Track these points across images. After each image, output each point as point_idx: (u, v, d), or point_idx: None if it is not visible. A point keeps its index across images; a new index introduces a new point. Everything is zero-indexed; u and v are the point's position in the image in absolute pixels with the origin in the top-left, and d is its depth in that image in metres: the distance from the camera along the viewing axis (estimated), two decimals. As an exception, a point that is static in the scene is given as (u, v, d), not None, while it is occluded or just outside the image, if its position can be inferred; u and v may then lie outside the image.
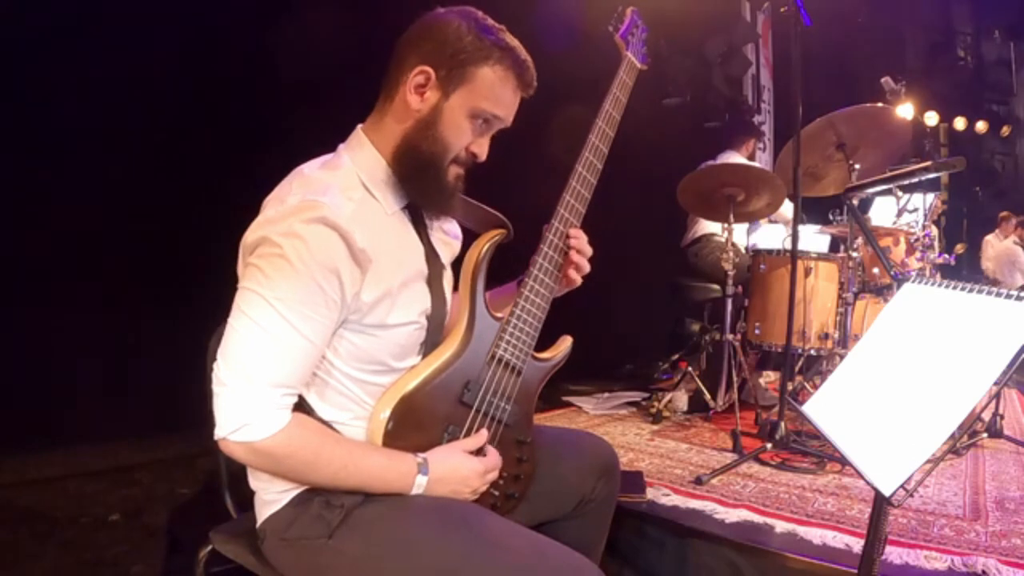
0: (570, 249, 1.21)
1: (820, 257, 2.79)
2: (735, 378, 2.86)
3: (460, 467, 1.07)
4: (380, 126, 1.10)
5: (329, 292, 0.97)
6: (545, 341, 1.23)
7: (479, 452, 1.11)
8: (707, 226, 3.48)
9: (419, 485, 1.03)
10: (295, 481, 1.03)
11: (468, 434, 1.12)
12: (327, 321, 0.99)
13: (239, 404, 0.93)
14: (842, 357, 2.55)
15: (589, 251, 1.24)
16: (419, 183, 1.09)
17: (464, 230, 1.27)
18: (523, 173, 2.65)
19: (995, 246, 8.29)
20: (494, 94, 1.07)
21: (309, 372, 1.02)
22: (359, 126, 1.13)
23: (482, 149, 1.11)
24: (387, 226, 1.08)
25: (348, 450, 1.01)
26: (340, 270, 0.98)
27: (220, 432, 0.94)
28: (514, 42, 1.08)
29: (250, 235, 1.00)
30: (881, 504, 1.05)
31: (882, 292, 2.98)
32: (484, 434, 1.12)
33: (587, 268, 1.25)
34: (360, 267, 1.01)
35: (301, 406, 1.02)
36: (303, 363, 0.99)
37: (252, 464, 1.01)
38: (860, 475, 0.94)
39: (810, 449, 2.31)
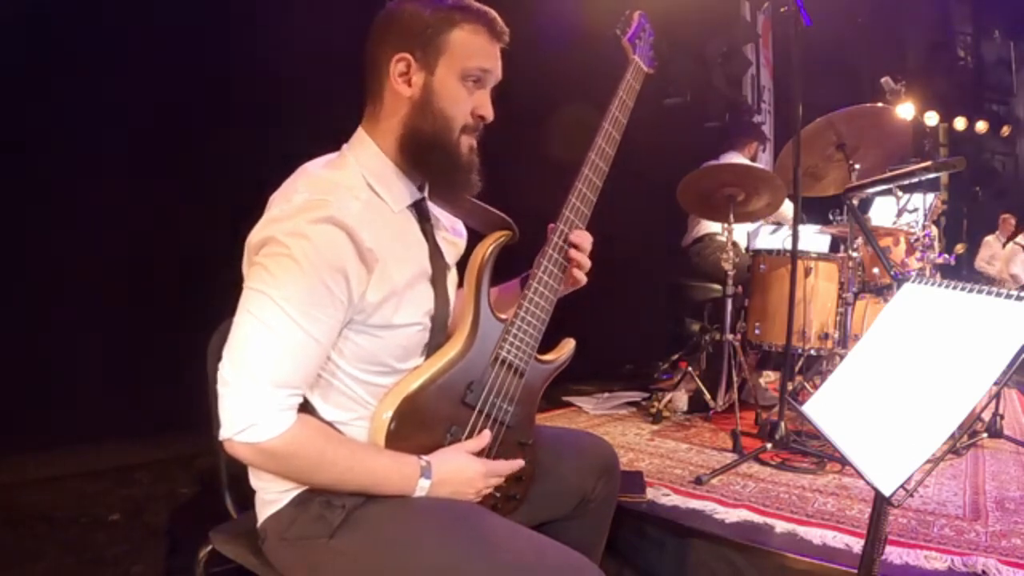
0: (570, 247, 1.21)
1: (820, 257, 2.80)
2: (735, 378, 2.86)
3: (464, 468, 1.07)
4: (377, 124, 1.11)
5: (336, 292, 0.97)
6: (547, 341, 1.23)
7: (481, 454, 1.11)
8: (709, 225, 3.48)
9: (422, 487, 1.03)
10: (299, 482, 1.03)
11: (471, 435, 1.11)
12: (333, 321, 0.99)
13: (245, 405, 0.93)
14: (842, 357, 2.55)
15: (588, 248, 1.23)
16: (432, 163, 1.09)
17: (469, 231, 1.27)
18: (529, 175, 2.65)
19: (995, 247, 8.29)
20: (473, 51, 1.08)
21: (315, 373, 1.02)
22: (360, 126, 1.13)
23: (486, 109, 1.11)
24: (393, 225, 1.08)
25: (352, 451, 1.01)
26: (347, 270, 0.98)
27: (225, 433, 0.94)
28: (469, 1, 1.09)
29: (255, 234, 1.00)
30: (881, 504, 1.05)
31: (882, 292, 2.98)
32: (487, 436, 1.12)
33: (587, 265, 1.24)
34: (367, 267, 1.00)
35: (304, 407, 1.01)
36: (309, 364, 0.98)
37: (256, 465, 1.01)
38: (860, 475, 0.94)
39: (810, 449, 2.31)
